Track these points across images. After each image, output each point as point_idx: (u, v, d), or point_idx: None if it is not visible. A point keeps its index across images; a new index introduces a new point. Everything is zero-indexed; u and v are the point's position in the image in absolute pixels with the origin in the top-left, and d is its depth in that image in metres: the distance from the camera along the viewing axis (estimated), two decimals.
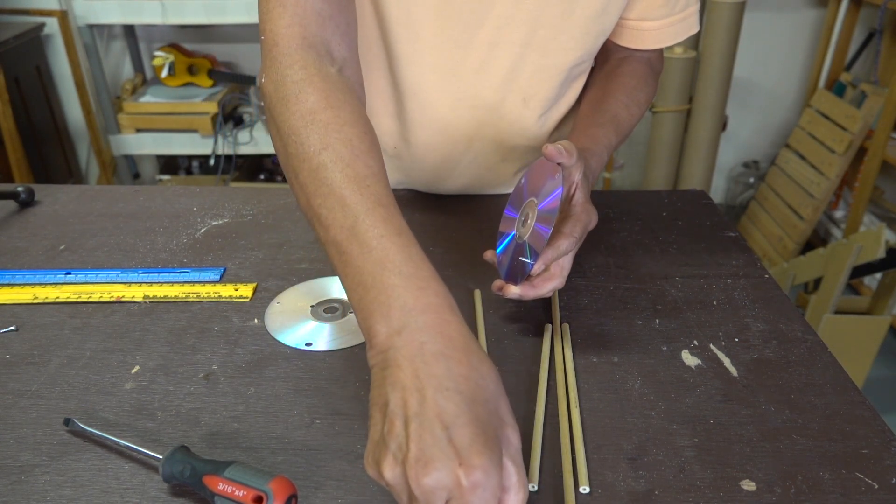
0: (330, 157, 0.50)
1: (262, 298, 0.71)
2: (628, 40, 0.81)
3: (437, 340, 0.42)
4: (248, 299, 0.72)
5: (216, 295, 0.72)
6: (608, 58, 0.85)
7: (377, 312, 0.44)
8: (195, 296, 0.72)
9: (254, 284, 0.74)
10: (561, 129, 0.89)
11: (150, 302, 0.71)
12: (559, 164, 0.60)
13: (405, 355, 0.42)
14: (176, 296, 0.72)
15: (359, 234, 0.47)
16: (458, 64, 0.76)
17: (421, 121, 0.81)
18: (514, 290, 0.63)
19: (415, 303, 0.44)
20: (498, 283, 0.65)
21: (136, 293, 0.73)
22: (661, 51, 0.85)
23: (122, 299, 0.72)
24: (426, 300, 0.44)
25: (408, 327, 0.43)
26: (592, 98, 0.80)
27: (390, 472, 0.40)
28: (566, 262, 0.65)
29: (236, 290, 0.73)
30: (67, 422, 0.55)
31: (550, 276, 0.65)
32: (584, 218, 0.64)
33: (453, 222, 0.86)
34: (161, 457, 0.49)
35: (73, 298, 0.71)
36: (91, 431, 0.54)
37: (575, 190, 0.64)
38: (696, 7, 0.79)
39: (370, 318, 0.44)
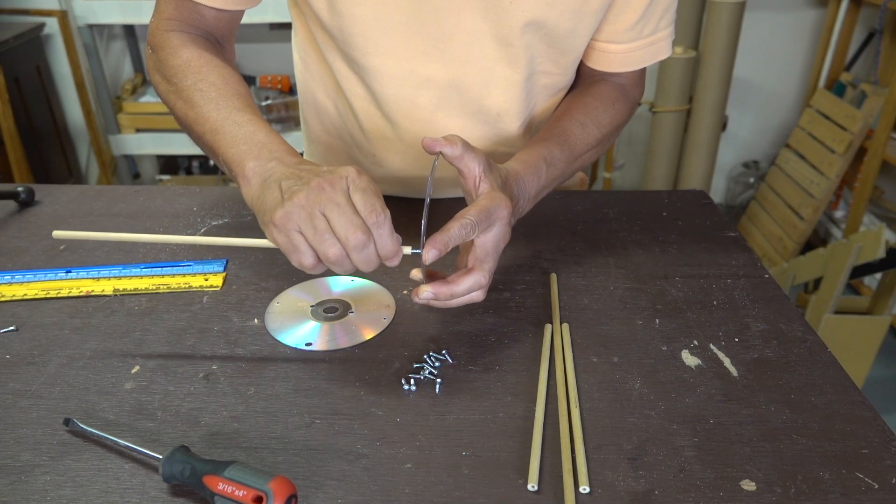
0: (206, 84, 0.67)
1: (262, 298, 0.71)
2: (595, 61, 0.81)
3: (299, 159, 0.59)
4: (218, 288, 0.73)
5: (186, 285, 0.73)
6: (582, 80, 0.85)
7: (249, 155, 0.60)
8: (165, 287, 0.73)
9: (223, 274, 0.75)
10: None
11: (121, 295, 0.72)
12: (441, 153, 0.61)
13: (282, 168, 0.57)
14: (146, 288, 0.73)
15: (232, 119, 0.63)
16: (431, 77, 0.77)
17: (404, 126, 0.82)
18: (424, 291, 0.58)
19: (277, 149, 0.60)
20: (415, 290, 0.60)
21: (105, 287, 0.73)
22: (638, 77, 0.84)
23: (92, 293, 0.72)
24: (287, 150, 0.61)
25: (278, 159, 0.58)
26: (551, 117, 0.80)
27: (303, 195, 0.53)
28: (482, 254, 0.60)
29: (206, 279, 0.74)
30: (67, 422, 0.55)
31: (466, 270, 0.61)
32: (485, 203, 0.60)
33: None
34: (161, 457, 0.49)
35: (64, 293, 0.71)
36: (91, 431, 0.54)
37: (479, 182, 0.62)
38: (666, 32, 0.79)
39: (244, 161, 0.59)
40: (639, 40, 0.78)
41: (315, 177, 0.54)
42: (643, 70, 0.84)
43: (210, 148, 0.65)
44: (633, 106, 0.85)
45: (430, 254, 0.56)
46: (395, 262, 0.56)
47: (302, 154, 1.04)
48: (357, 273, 0.74)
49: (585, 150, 0.77)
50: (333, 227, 0.53)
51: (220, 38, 0.79)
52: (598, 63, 0.81)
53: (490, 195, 0.61)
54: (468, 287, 0.60)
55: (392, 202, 0.91)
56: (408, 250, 0.58)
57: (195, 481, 0.47)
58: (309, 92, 0.89)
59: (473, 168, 0.62)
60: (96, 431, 0.53)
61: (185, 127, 0.69)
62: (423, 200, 0.90)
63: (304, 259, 0.54)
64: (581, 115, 0.77)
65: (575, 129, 0.76)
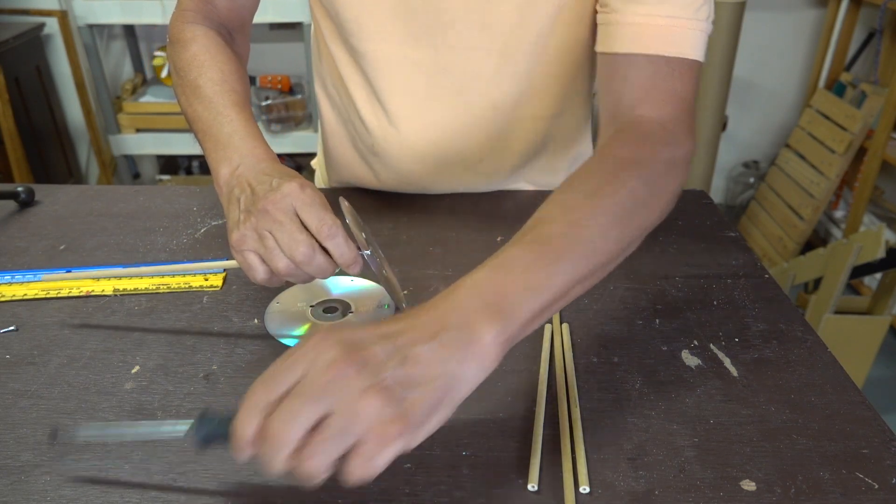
0: (204, 80, 0.69)
1: (262, 298, 0.71)
2: (618, 41, 0.64)
3: (262, 167, 0.61)
4: (218, 288, 0.73)
5: (186, 285, 0.73)
6: (600, 134, 0.65)
7: (223, 160, 0.63)
8: (165, 287, 0.73)
9: (223, 274, 0.75)
10: (550, 137, 0.89)
11: (121, 295, 0.72)
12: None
13: (244, 176, 0.60)
14: (146, 288, 0.73)
15: (219, 119, 0.66)
16: (423, 64, 0.77)
17: (398, 114, 0.82)
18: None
19: (248, 153, 0.63)
20: None
21: (105, 287, 0.73)
22: (684, 114, 0.63)
23: (92, 293, 0.72)
24: (255, 154, 0.63)
25: (243, 164, 0.62)
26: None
27: (254, 218, 0.56)
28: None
29: (206, 279, 0.74)
30: (55, 434, 0.50)
31: None
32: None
33: (451, 221, 0.86)
34: (188, 425, 0.46)
35: (64, 293, 0.71)
36: (93, 434, 0.51)
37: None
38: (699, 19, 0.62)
39: (219, 165, 0.63)
40: (684, 18, 0.62)
41: (262, 198, 0.56)
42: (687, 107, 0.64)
43: (202, 148, 0.68)
44: (682, 166, 0.60)
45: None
46: (355, 270, 0.58)
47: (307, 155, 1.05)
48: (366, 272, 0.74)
49: (603, 245, 0.50)
50: (280, 245, 0.56)
51: (233, 30, 0.80)
52: (622, 42, 0.64)
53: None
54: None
55: (391, 199, 0.91)
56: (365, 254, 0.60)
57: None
58: (322, 81, 0.91)
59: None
60: (97, 433, 0.51)
61: (187, 122, 0.71)
62: (424, 196, 0.91)
63: (257, 275, 0.57)
64: (602, 199, 0.52)
65: (588, 223, 0.50)
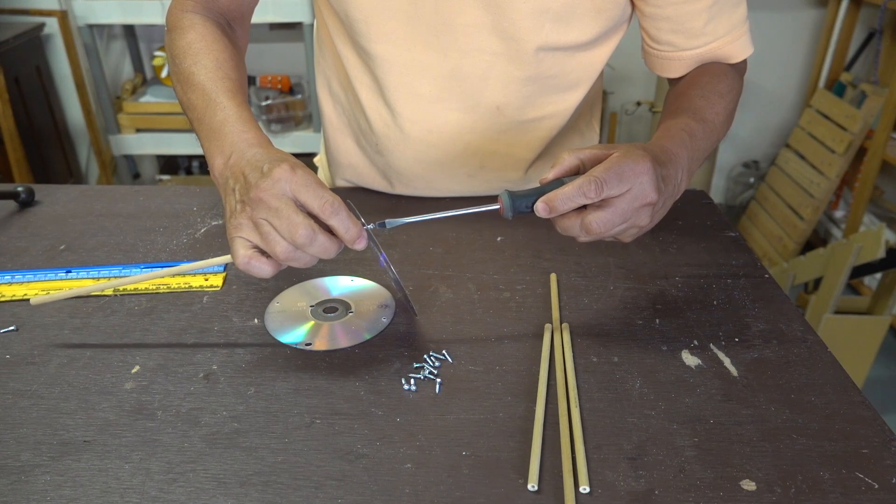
0: (199, 68, 0.69)
1: (262, 298, 0.71)
2: (673, 69, 0.79)
3: (253, 152, 0.59)
4: (218, 288, 0.73)
5: (186, 285, 0.73)
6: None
7: (217, 149, 0.62)
8: (165, 287, 0.73)
9: (223, 274, 0.75)
10: (557, 143, 0.89)
11: (121, 295, 0.72)
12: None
13: (238, 165, 0.59)
14: (146, 288, 0.73)
15: (212, 107, 0.65)
16: (431, 66, 0.77)
17: (404, 114, 0.82)
18: (539, 202, 0.58)
19: (238, 140, 0.61)
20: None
21: (106, 287, 0.73)
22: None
23: (92, 293, 0.72)
24: (246, 139, 0.61)
25: (235, 152, 0.60)
26: (671, 102, 0.77)
27: (249, 207, 0.55)
28: (601, 168, 0.57)
29: (206, 279, 0.74)
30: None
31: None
32: (617, 160, 0.56)
33: (451, 222, 0.86)
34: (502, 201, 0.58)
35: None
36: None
37: (584, 160, 0.59)
38: (743, 29, 0.77)
39: (213, 155, 0.62)
40: (717, 40, 0.76)
41: (254, 186, 0.55)
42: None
43: (197, 135, 0.67)
44: (742, 74, 0.81)
45: (539, 206, 0.57)
46: (361, 245, 0.57)
47: (311, 154, 1.06)
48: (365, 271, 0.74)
49: (715, 119, 0.72)
50: (278, 231, 0.54)
51: (233, 21, 0.80)
52: (677, 69, 0.79)
53: (626, 150, 0.57)
54: (573, 190, 0.56)
55: (393, 200, 0.91)
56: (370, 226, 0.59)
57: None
58: (324, 79, 0.91)
59: (569, 163, 0.59)
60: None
61: (183, 109, 0.71)
62: (428, 198, 0.91)
63: (238, 259, 0.56)
64: (697, 89, 0.74)
65: (699, 101, 0.72)
